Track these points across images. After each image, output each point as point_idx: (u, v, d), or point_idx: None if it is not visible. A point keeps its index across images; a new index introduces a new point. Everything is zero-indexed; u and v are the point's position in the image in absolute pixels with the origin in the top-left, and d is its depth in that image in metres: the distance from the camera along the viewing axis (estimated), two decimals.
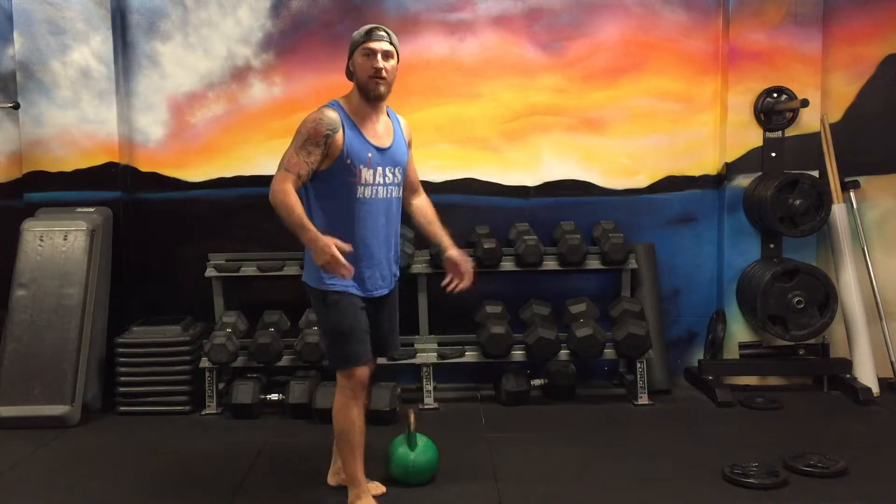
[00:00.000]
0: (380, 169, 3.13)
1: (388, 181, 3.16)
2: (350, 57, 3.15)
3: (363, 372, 3.14)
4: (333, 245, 2.91)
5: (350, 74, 3.18)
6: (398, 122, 3.29)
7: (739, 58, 4.91)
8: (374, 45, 3.09)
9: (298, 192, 3.04)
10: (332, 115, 3.07)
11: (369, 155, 3.10)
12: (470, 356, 4.70)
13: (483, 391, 4.87)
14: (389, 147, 3.18)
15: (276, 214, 3.01)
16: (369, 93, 3.10)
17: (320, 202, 3.11)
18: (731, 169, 4.97)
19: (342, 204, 3.10)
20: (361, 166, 3.08)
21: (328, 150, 3.04)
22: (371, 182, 3.11)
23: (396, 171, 3.19)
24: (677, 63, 5.06)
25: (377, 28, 3.15)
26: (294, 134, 3.08)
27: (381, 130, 3.18)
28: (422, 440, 3.49)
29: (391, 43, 3.14)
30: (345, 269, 2.93)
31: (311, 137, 3.02)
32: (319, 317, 3.20)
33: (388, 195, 3.17)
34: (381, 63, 3.08)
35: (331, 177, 3.07)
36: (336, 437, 3.21)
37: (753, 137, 4.94)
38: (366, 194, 3.10)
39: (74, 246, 4.61)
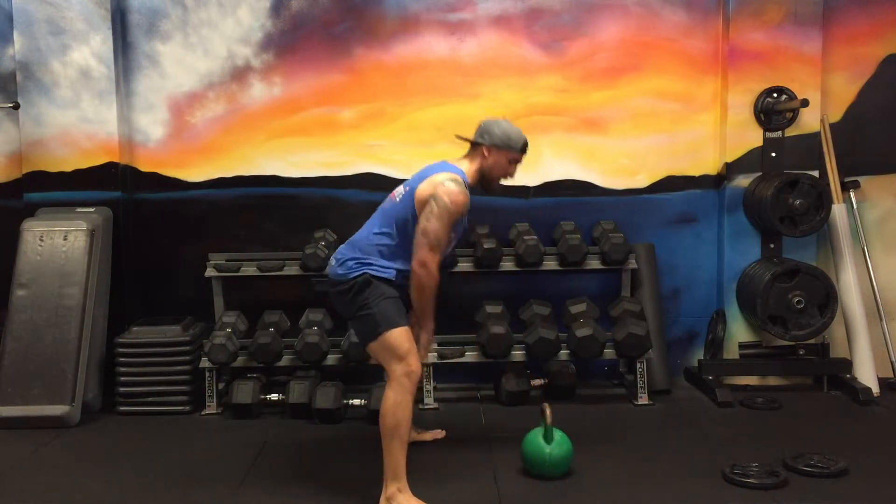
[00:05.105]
0: (457, 235, 3.47)
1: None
2: (495, 146, 3.41)
3: (419, 367, 3.29)
4: None
5: (476, 146, 3.45)
6: None
7: (739, 58, 4.91)
8: (522, 158, 3.48)
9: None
10: (468, 197, 3.31)
11: (461, 228, 3.47)
12: (470, 356, 4.70)
13: (483, 391, 4.87)
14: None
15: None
16: (490, 188, 3.50)
17: (406, 234, 3.32)
18: (731, 169, 4.97)
19: None
20: (455, 237, 3.43)
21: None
22: (453, 245, 3.50)
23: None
24: (677, 63, 5.06)
25: (527, 144, 3.47)
26: (439, 206, 3.22)
27: None
28: (557, 433, 3.54)
29: None
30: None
31: (456, 216, 3.27)
32: (372, 295, 3.27)
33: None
34: (515, 174, 3.50)
35: None
36: (387, 433, 3.20)
37: (753, 137, 4.94)
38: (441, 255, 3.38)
39: (74, 246, 4.61)
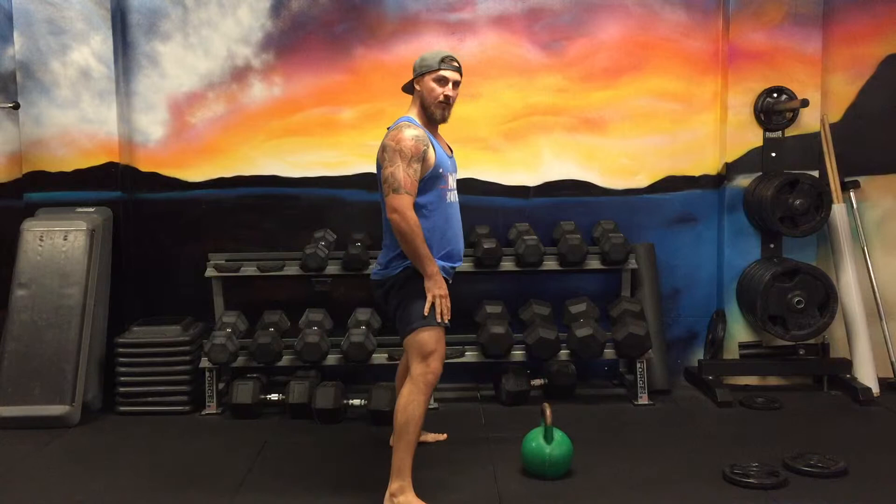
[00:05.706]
0: (452, 175, 3.43)
1: (456, 186, 3.46)
2: (419, 76, 3.38)
3: (440, 370, 3.27)
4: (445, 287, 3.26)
5: (410, 89, 3.46)
6: None
7: (739, 58, 4.91)
8: (447, 73, 3.35)
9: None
10: (422, 131, 3.29)
11: (449, 163, 3.42)
12: (470, 356, 4.70)
13: (483, 391, 4.87)
14: (452, 155, 3.53)
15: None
16: (435, 116, 3.39)
17: (416, 211, 3.25)
18: (731, 169, 4.97)
19: (436, 210, 3.32)
20: (448, 174, 3.37)
21: (425, 164, 3.25)
22: (453, 187, 3.42)
23: (456, 176, 3.51)
24: (677, 63, 5.06)
25: (452, 58, 3.39)
26: (387, 152, 3.22)
27: (444, 141, 3.52)
28: (557, 433, 3.54)
29: (461, 73, 3.41)
30: (447, 310, 3.25)
31: (415, 155, 3.21)
32: (411, 292, 3.26)
33: (457, 198, 3.47)
34: (450, 92, 3.37)
35: (425, 188, 3.28)
36: (397, 430, 3.22)
37: (753, 137, 4.94)
38: (451, 199, 3.39)
39: (74, 246, 4.61)
